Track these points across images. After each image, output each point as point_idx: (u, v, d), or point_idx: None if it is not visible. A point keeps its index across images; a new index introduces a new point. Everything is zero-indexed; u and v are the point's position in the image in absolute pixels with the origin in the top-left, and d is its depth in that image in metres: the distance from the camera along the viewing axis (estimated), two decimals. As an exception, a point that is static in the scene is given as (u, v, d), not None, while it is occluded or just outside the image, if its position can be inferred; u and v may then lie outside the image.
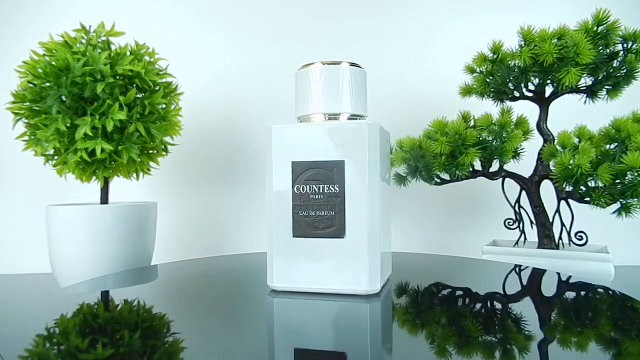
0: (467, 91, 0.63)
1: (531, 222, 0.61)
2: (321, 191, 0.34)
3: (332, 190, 0.34)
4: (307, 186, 0.34)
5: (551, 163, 0.55)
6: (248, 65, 0.83)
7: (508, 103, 0.62)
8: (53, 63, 0.51)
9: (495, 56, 0.58)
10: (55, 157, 0.56)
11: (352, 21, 0.83)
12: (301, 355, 0.24)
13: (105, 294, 0.39)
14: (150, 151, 0.60)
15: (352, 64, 0.35)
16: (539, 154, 0.59)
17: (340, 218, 0.33)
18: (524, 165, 0.61)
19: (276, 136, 0.35)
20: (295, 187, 0.34)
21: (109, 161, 0.55)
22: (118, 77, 0.54)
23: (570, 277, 0.42)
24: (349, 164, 0.33)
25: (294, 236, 0.34)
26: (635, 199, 0.49)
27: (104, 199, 0.59)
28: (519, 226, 0.61)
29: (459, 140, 0.57)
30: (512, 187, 0.61)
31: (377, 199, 0.33)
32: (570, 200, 0.57)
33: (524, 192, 0.60)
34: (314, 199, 0.34)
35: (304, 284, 0.35)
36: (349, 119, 0.35)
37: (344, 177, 0.33)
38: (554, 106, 0.60)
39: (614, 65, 0.55)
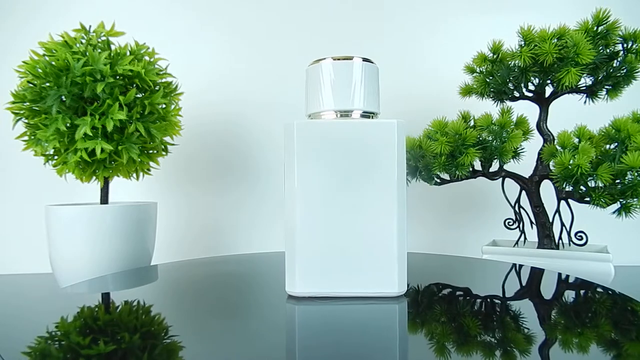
0: (467, 91, 0.63)
1: (531, 222, 0.60)
2: None
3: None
4: None
5: (551, 163, 0.55)
6: (248, 65, 0.83)
7: (508, 103, 0.62)
8: (53, 63, 0.51)
9: (495, 56, 0.58)
10: (55, 157, 0.56)
11: (351, 21, 0.83)
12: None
13: (105, 295, 0.39)
14: (150, 151, 0.60)
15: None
16: (539, 154, 0.59)
17: None
18: (524, 165, 0.61)
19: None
20: None
21: (109, 161, 0.55)
22: (118, 77, 0.54)
23: (568, 276, 0.42)
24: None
25: None
26: (635, 199, 0.49)
27: (104, 199, 0.59)
28: (519, 226, 0.61)
29: (459, 140, 0.57)
30: (512, 187, 0.61)
31: (296, 200, 0.33)
32: (570, 200, 0.57)
33: (524, 192, 0.60)
34: None
35: None
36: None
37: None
38: (554, 106, 0.60)
39: (614, 65, 0.55)
